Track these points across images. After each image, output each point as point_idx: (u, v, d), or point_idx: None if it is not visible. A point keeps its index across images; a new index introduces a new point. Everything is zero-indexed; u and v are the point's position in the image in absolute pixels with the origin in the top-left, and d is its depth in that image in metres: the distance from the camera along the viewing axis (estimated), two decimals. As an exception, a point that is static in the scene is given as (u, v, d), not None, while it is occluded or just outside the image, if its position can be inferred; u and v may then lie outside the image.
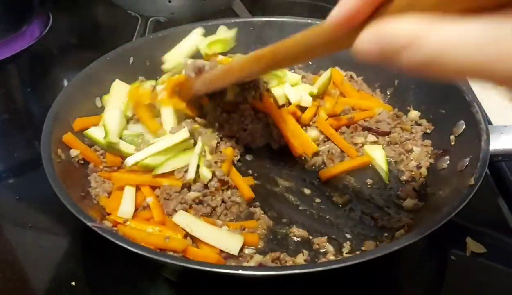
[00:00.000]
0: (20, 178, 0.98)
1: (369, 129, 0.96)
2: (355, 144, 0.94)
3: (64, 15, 1.47)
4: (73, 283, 0.76)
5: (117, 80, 0.98)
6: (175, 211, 0.79)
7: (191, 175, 0.82)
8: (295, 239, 0.79)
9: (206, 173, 0.83)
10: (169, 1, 1.22)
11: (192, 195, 0.81)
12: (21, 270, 0.79)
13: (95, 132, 0.88)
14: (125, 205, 0.80)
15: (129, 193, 0.82)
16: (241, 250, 0.75)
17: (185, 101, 0.92)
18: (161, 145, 0.84)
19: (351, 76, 1.07)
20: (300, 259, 0.74)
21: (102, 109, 0.96)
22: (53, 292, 0.75)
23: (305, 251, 0.76)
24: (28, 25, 1.38)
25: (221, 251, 0.74)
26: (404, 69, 0.38)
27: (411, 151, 0.92)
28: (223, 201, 0.83)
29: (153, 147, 0.84)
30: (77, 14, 1.50)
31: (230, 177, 0.86)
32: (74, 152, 0.86)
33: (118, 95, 0.96)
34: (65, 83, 1.26)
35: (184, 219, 0.76)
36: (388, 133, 0.95)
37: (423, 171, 0.88)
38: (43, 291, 0.76)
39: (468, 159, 0.78)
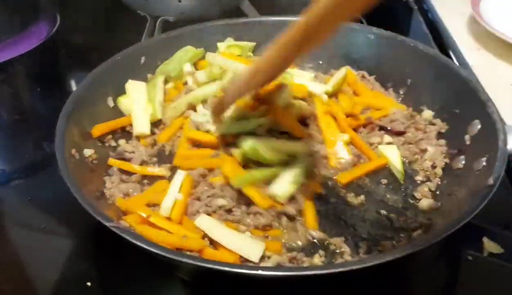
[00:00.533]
0: (29, 179, 0.98)
1: (385, 129, 0.95)
2: (371, 144, 0.94)
3: (72, 15, 1.47)
4: (89, 284, 0.76)
5: (129, 81, 0.98)
6: (199, 212, 0.78)
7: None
8: (311, 239, 0.78)
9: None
10: (179, 1, 1.21)
11: (220, 202, 0.80)
12: (32, 271, 0.80)
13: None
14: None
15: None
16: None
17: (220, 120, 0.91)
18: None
19: (363, 76, 1.07)
20: (317, 259, 0.74)
21: (114, 109, 0.96)
22: (65, 292, 0.75)
23: (321, 251, 0.76)
24: (36, 25, 1.38)
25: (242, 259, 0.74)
26: None
27: (425, 150, 0.91)
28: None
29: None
30: (85, 14, 1.50)
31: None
32: (88, 152, 0.86)
33: (137, 94, 0.97)
34: (73, 83, 1.26)
35: (206, 223, 0.76)
36: (403, 133, 0.94)
37: (438, 171, 0.87)
38: (55, 292, 0.75)
39: (485, 158, 0.78)
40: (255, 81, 0.79)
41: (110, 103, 0.96)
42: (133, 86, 0.98)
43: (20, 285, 0.77)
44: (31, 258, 0.81)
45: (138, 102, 0.97)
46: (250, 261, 0.73)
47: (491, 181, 0.71)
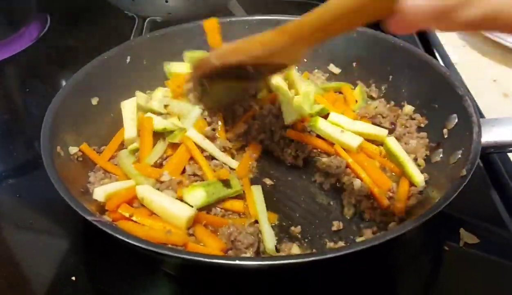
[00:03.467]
0: (20, 178, 1.00)
1: (378, 126, 0.97)
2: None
3: (62, 16, 1.48)
4: (74, 278, 0.77)
5: (123, 102, 1.01)
6: None
7: None
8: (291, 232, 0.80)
9: None
10: (166, 1, 1.23)
11: None
12: (22, 267, 0.81)
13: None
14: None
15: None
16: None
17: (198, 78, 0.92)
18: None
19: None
20: (296, 249, 0.76)
21: (97, 107, 0.97)
22: (55, 288, 0.76)
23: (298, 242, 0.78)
24: (27, 27, 1.40)
25: (225, 250, 0.76)
26: (460, 26, 0.41)
27: (407, 143, 0.92)
28: None
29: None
30: (75, 15, 1.51)
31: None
32: (73, 149, 0.87)
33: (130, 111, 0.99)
34: (63, 83, 1.27)
35: (143, 190, 0.80)
36: (393, 130, 0.96)
37: (421, 162, 0.89)
38: (45, 287, 0.77)
39: (461, 151, 0.80)
40: (245, 52, 0.79)
41: (94, 101, 0.97)
42: (127, 104, 1.00)
43: (7, 280, 0.78)
44: (22, 255, 0.83)
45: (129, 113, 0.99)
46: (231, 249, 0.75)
47: (464, 172, 0.72)
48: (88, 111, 0.96)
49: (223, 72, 0.85)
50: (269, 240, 0.77)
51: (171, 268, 0.78)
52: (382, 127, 0.95)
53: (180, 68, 1.08)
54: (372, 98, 1.06)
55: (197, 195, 0.80)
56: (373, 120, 0.97)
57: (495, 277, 0.78)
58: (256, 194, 0.84)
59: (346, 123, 0.94)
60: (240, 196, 0.85)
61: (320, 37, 0.72)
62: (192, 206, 0.79)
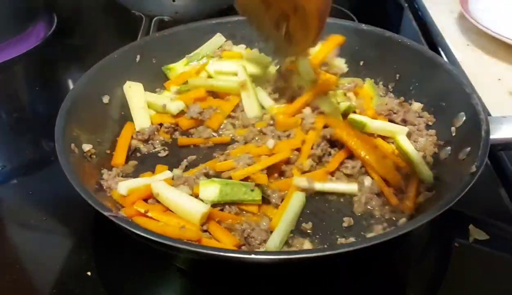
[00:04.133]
0: (28, 176, 1.00)
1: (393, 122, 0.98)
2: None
3: (69, 16, 1.49)
4: (89, 273, 0.78)
5: (127, 82, 1.02)
6: None
7: None
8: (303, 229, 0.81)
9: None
10: (173, 0, 1.24)
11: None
12: (31, 265, 0.82)
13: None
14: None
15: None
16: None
17: None
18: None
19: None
20: (308, 245, 0.77)
21: (109, 106, 0.99)
22: (65, 285, 0.77)
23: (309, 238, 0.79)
24: (34, 26, 1.41)
25: (239, 246, 0.77)
26: None
27: (416, 141, 0.93)
28: None
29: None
30: (82, 14, 1.52)
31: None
32: (86, 147, 0.88)
33: (135, 94, 1.01)
34: (71, 82, 1.28)
35: (159, 186, 0.81)
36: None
37: (429, 159, 0.90)
38: (54, 284, 0.77)
39: (469, 148, 0.80)
40: None
41: (105, 100, 0.98)
42: (132, 88, 1.01)
43: (21, 277, 0.79)
44: (32, 253, 0.83)
45: (137, 101, 1.00)
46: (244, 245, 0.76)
47: (473, 169, 0.73)
48: (100, 109, 0.97)
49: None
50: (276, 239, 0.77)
51: (184, 264, 0.79)
52: (396, 124, 0.96)
53: (179, 69, 1.09)
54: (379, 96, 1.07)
55: (210, 190, 0.81)
56: (389, 117, 0.98)
57: (504, 273, 0.78)
58: (293, 203, 0.83)
59: (370, 122, 0.95)
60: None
61: None
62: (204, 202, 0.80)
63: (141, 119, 0.99)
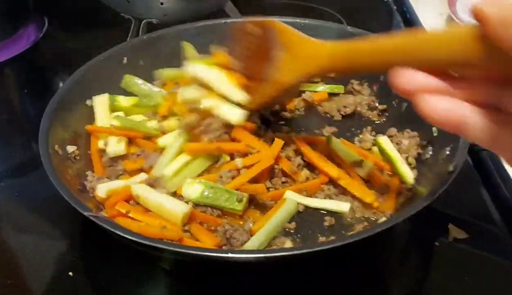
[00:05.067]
0: (18, 178, 1.01)
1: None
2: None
3: (59, 19, 1.50)
4: (71, 274, 0.79)
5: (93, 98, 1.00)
6: None
7: None
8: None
9: None
10: (161, 4, 1.24)
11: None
12: (20, 267, 0.82)
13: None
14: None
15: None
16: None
17: None
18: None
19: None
20: (288, 244, 0.78)
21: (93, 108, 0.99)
22: (53, 286, 0.78)
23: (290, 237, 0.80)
24: (24, 29, 1.41)
25: (220, 246, 0.77)
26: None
27: (399, 143, 0.94)
28: None
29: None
30: (72, 17, 1.52)
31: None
32: (71, 148, 0.89)
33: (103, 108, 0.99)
34: (61, 85, 1.28)
35: (138, 188, 0.81)
36: None
37: (411, 160, 0.90)
38: (44, 285, 0.78)
39: (449, 147, 0.81)
40: None
41: (89, 102, 0.98)
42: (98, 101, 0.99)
43: (10, 280, 0.79)
44: (20, 255, 0.84)
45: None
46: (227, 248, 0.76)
47: (451, 167, 0.74)
48: (85, 111, 0.97)
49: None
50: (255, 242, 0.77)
51: (168, 264, 0.80)
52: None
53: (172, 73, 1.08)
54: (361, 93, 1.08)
55: (193, 189, 0.81)
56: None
57: (484, 271, 0.79)
58: (283, 210, 0.82)
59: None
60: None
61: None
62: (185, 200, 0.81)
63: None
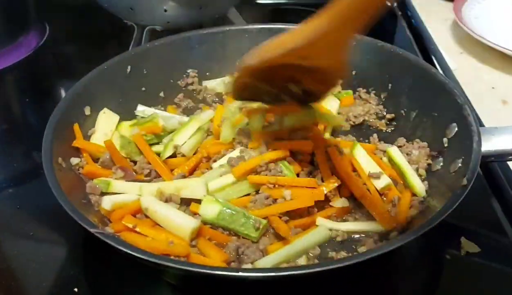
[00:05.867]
0: (19, 188, 0.99)
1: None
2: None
3: (61, 25, 1.49)
4: (76, 290, 0.77)
5: (105, 109, 0.99)
6: None
7: None
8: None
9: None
10: (165, 10, 1.23)
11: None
12: (21, 278, 0.81)
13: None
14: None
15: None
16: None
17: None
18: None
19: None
20: (302, 260, 0.76)
21: (90, 117, 0.97)
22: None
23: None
24: (25, 36, 1.40)
25: (228, 262, 0.76)
26: None
27: (409, 154, 0.93)
28: None
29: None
30: (74, 24, 1.51)
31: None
32: (74, 160, 0.87)
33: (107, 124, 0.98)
34: (63, 93, 1.28)
35: (147, 201, 0.80)
36: None
37: (422, 172, 0.89)
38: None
39: (461, 160, 0.80)
40: (281, 45, 0.71)
41: (87, 112, 0.97)
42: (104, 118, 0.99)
43: (11, 291, 0.78)
44: (21, 265, 0.82)
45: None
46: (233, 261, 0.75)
47: (464, 181, 0.72)
48: (88, 121, 0.96)
49: (261, 85, 0.81)
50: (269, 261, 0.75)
51: (174, 279, 0.79)
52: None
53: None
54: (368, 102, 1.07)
55: (210, 209, 0.79)
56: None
57: (496, 285, 0.78)
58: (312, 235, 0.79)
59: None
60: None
61: (362, 19, 0.66)
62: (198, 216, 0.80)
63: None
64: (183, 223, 0.77)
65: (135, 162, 0.94)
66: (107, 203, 0.80)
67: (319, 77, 0.77)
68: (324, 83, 0.81)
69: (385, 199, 0.85)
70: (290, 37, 0.71)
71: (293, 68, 0.74)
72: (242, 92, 0.87)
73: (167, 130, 0.99)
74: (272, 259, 0.74)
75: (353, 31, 0.69)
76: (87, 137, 0.95)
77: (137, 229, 0.77)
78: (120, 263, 0.79)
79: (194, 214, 0.81)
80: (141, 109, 1.05)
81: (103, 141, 0.93)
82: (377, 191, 0.85)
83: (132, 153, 0.94)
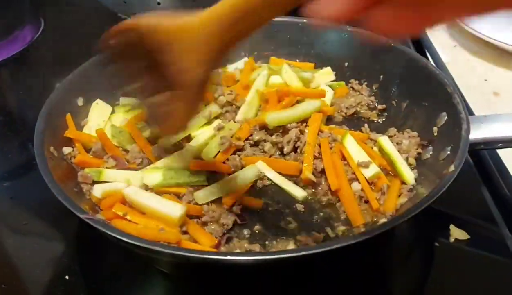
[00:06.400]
0: (14, 180, 1.00)
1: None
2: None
3: (56, 19, 1.49)
4: (67, 277, 0.77)
5: (98, 100, 1.00)
6: None
7: None
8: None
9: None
10: (158, 3, 1.23)
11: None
12: (16, 269, 0.81)
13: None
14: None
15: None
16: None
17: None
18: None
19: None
20: (292, 245, 0.77)
21: (83, 108, 0.98)
22: (49, 288, 0.77)
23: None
24: (20, 30, 1.40)
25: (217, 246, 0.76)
26: None
27: (400, 143, 0.93)
28: None
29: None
30: (69, 17, 1.51)
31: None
32: (67, 150, 0.88)
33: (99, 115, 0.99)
34: (57, 86, 1.27)
35: (131, 191, 0.81)
36: None
37: (411, 160, 0.90)
38: (39, 288, 0.77)
39: (450, 147, 0.80)
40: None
41: (80, 102, 0.97)
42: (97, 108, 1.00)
43: (5, 282, 0.78)
44: (16, 257, 0.83)
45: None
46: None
47: (452, 168, 0.73)
48: (80, 112, 0.96)
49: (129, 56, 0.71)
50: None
51: (165, 266, 0.79)
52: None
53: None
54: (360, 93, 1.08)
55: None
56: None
57: (485, 272, 0.78)
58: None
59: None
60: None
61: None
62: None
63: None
64: (170, 211, 0.77)
65: (127, 152, 0.94)
66: (97, 191, 0.81)
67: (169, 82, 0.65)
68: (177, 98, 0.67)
69: (373, 187, 0.86)
70: (169, 18, 0.62)
71: (151, 56, 0.65)
72: (117, 54, 0.76)
73: None
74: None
75: (231, 41, 0.60)
76: (80, 128, 0.96)
77: (128, 217, 0.77)
78: (113, 254, 0.80)
79: (178, 197, 0.84)
80: (125, 102, 1.04)
81: (95, 131, 0.94)
82: (366, 180, 0.86)
83: (124, 141, 0.94)
